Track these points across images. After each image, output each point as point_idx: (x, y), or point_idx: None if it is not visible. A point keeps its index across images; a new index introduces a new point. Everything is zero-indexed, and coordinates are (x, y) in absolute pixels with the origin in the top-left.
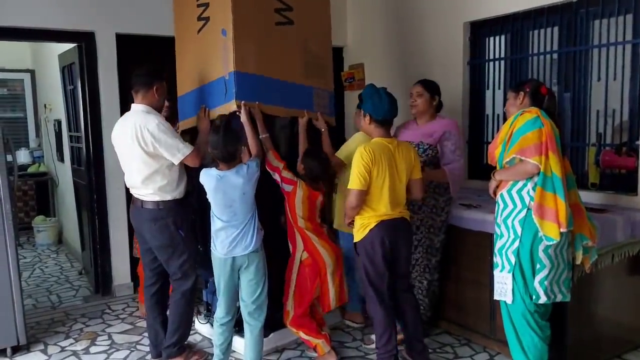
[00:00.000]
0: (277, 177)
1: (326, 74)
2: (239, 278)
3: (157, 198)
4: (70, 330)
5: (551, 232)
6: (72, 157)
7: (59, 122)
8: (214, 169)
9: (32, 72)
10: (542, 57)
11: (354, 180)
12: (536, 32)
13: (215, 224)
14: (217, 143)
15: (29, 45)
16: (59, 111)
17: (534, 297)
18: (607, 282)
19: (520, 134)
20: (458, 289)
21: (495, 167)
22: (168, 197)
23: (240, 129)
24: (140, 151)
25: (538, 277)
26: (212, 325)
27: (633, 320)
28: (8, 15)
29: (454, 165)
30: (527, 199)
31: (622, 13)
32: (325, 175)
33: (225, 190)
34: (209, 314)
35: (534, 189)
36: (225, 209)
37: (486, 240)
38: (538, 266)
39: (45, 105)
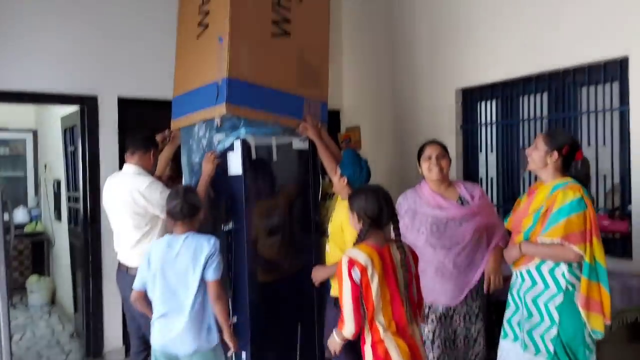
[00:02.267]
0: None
1: (321, 84)
2: None
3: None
4: None
5: (598, 325)
6: (70, 217)
7: (58, 182)
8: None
9: (34, 132)
10: (532, 122)
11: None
12: (526, 98)
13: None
14: (176, 195)
15: (32, 106)
16: (59, 171)
17: None
18: (606, 350)
19: (563, 215)
20: None
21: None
22: None
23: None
24: (132, 214)
25: None
26: None
27: None
28: (13, 79)
29: (500, 233)
30: (562, 282)
31: (608, 80)
32: (390, 209)
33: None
34: None
35: (570, 271)
36: (166, 292)
37: None
38: (587, 352)
39: (45, 165)
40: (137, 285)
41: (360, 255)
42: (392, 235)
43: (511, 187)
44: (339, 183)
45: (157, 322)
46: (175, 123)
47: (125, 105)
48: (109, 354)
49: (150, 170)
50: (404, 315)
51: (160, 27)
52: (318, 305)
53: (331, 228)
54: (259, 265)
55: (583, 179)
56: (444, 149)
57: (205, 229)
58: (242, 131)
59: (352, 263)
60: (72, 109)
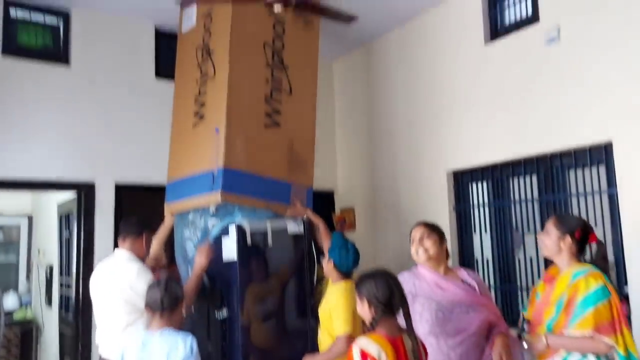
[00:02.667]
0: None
1: (307, 171)
2: None
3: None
4: None
5: None
6: (61, 303)
7: (50, 268)
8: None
9: (29, 218)
10: (524, 203)
11: (348, 324)
12: (516, 179)
13: None
14: (156, 285)
15: (29, 192)
16: (52, 257)
17: None
18: None
19: (589, 305)
20: None
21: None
22: None
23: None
24: (117, 302)
25: None
26: None
27: None
28: (11, 167)
29: (505, 326)
30: None
31: (594, 164)
32: (401, 292)
33: None
34: None
35: None
36: None
37: None
38: None
39: (39, 250)
40: None
41: (373, 347)
42: (403, 321)
43: (507, 268)
44: (327, 266)
45: None
46: (169, 207)
47: (122, 191)
48: None
49: (143, 255)
50: None
51: (155, 115)
52: None
53: (320, 314)
54: (254, 353)
55: (601, 264)
56: (430, 229)
57: (199, 316)
58: (237, 216)
59: (364, 356)
60: (69, 194)
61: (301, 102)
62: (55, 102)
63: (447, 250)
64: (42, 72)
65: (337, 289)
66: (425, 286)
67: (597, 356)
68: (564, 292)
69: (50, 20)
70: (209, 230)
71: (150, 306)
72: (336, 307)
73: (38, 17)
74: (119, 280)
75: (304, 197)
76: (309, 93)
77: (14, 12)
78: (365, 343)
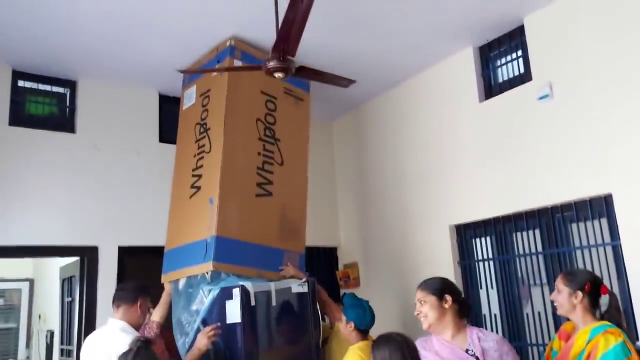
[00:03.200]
0: None
1: (299, 237)
2: None
3: None
4: None
5: None
6: None
7: (51, 333)
8: None
9: (31, 282)
10: (528, 257)
11: None
12: (519, 233)
13: None
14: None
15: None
16: (53, 322)
17: None
18: None
19: None
20: None
21: None
22: None
23: (161, 354)
24: None
25: None
26: None
27: None
28: (12, 234)
29: None
30: None
31: (596, 216)
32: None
33: None
34: None
35: None
36: None
37: None
38: None
39: (39, 316)
40: None
41: None
42: None
43: (515, 322)
44: (345, 329)
45: None
46: (166, 277)
47: (125, 254)
48: None
49: (138, 322)
50: None
51: (159, 178)
52: None
53: None
54: None
55: (615, 315)
56: (427, 290)
57: None
58: (232, 281)
59: None
60: (72, 258)
61: (293, 172)
62: (60, 168)
63: (456, 304)
64: (47, 139)
65: (352, 352)
66: (430, 356)
67: None
68: (583, 349)
69: (57, 89)
70: (204, 299)
71: None
72: None
73: (46, 87)
74: (109, 351)
75: (296, 263)
76: (301, 163)
77: (22, 83)
78: None
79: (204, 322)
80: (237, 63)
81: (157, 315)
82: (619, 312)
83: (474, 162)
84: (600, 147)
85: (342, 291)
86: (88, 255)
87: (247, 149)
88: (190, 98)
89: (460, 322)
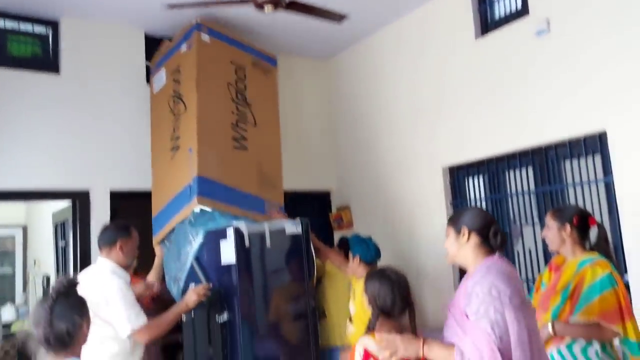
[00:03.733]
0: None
1: (277, 190)
2: None
3: None
4: None
5: None
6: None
7: (47, 278)
8: None
9: (24, 228)
10: (521, 195)
11: None
12: (512, 172)
13: None
14: (39, 314)
15: (24, 202)
16: (48, 267)
17: None
18: None
19: (595, 293)
20: None
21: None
22: None
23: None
24: (94, 314)
25: None
26: None
27: None
28: (4, 178)
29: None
30: None
31: (589, 153)
32: (405, 299)
33: None
34: None
35: (603, 350)
36: None
37: None
38: None
39: (34, 261)
40: None
41: (374, 346)
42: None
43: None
44: (353, 265)
45: None
46: (156, 238)
47: (117, 199)
48: None
49: (125, 262)
50: None
51: (148, 120)
52: None
53: (357, 306)
54: (255, 355)
55: (604, 246)
56: (449, 222)
57: (199, 320)
58: (220, 220)
59: (367, 355)
60: (64, 203)
61: (266, 133)
62: (47, 110)
63: (476, 237)
64: (32, 81)
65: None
66: None
67: (602, 343)
68: (570, 281)
69: (39, 29)
70: (192, 242)
71: (39, 342)
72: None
73: (27, 27)
74: (96, 293)
75: (277, 211)
76: (273, 126)
77: (3, 23)
78: (367, 342)
79: (198, 262)
80: (205, 37)
81: (152, 277)
82: (607, 243)
83: (469, 101)
84: (596, 84)
85: (335, 233)
86: (80, 200)
87: (220, 106)
88: (160, 80)
89: (481, 257)
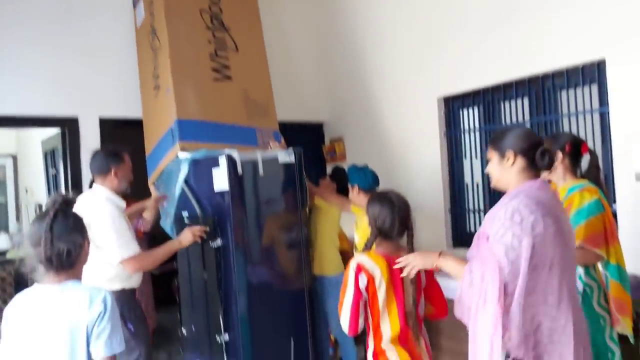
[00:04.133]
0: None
1: (269, 115)
2: None
3: (108, 286)
4: None
5: (628, 327)
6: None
7: (39, 206)
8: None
9: (14, 157)
10: (515, 126)
11: None
12: (507, 103)
13: None
14: (39, 233)
15: (12, 131)
16: (40, 195)
17: None
18: None
19: (582, 218)
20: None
21: None
22: (117, 287)
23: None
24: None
25: None
26: None
27: None
28: None
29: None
30: (579, 285)
31: (587, 83)
32: (404, 222)
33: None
34: None
35: (587, 273)
36: None
37: None
38: (609, 355)
39: (26, 190)
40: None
41: (369, 263)
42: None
43: (497, 192)
44: (353, 194)
45: None
46: (150, 180)
47: (107, 126)
48: None
49: (120, 188)
50: (409, 326)
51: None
52: (310, 319)
53: (360, 235)
54: (249, 281)
55: (594, 172)
56: (491, 142)
57: (193, 246)
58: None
59: (359, 269)
60: (53, 132)
61: (250, 57)
62: (34, 34)
63: (522, 160)
64: (16, 3)
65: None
66: None
67: (586, 267)
68: None
69: None
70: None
71: (39, 261)
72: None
73: None
74: (90, 218)
75: (271, 139)
76: (257, 47)
77: None
78: (362, 259)
79: (191, 190)
80: None
81: (147, 215)
82: (597, 170)
83: (466, 31)
84: (596, 11)
85: (328, 166)
86: (69, 127)
87: (194, 37)
88: (140, 14)
89: (514, 181)
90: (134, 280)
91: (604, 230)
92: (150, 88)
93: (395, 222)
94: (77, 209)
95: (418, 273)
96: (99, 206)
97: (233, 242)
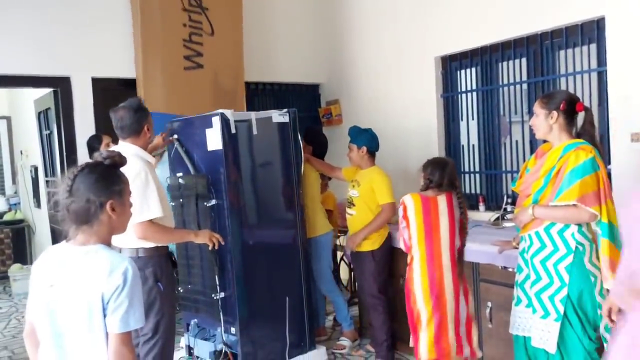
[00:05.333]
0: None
1: (237, 103)
2: None
3: (136, 245)
4: None
5: None
6: (49, 203)
7: (35, 168)
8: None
9: (8, 119)
10: (512, 87)
11: (391, 195)
12: (505, 63)
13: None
14: (63, 180)
15: (5, 92)
16: (36, 157)
17: (605, 345)
18: None
19: (577, 177)
20: None
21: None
22: (151, 245)
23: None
24: None
25: (603, 323)
26: None
27: None
28: None
29: None
30: (572, 243)
31: (585, 43)
32: (452, 181)
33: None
34: (190, 357)
35: (580, 232)
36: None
37: None
38: (599, 312)
39: (21, 152)
40: (27, 314)
41: (408, 199)
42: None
43: (492, 153)
44: (357, 156)
45: None
46: None
47: (100, 86)
48: None
49: (147, 144)
50: (439, 251)
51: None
52: (305, 279)
53: (361, 192)
54: (244, 239)
55: (589, 129)
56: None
57: (187, 204)
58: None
59: (402, 203)
60: (45, 91)
61: (226, 40)
62: None
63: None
64: None
65: (373, 171)
66: None
67: (579, 225)
68: (554, 165)
69: None
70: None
71: (62, 215)
72: (379, 183)
73: None
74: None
75: None
76: (234, 30)
77: None
78: (405, 197)
79: (185, 150)
80: None
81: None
82: (592, 127)
83: None
84: None
85: (325, 128)
86: (61, 87)
87: (168, 22)
88: None
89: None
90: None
91: (598, 188)
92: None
93: (444, 179)
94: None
95: (452, 209)
96: (131, 166)
97: (227, 201)
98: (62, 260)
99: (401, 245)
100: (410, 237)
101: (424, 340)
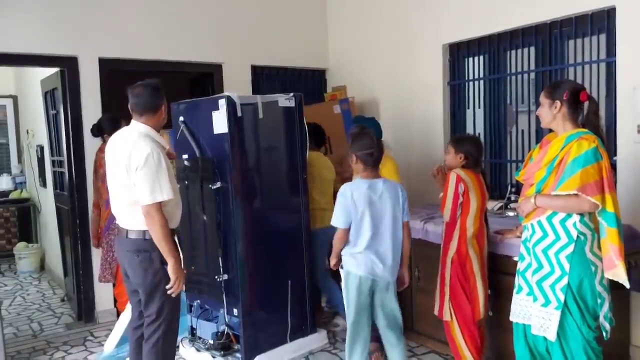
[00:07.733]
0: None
1: None
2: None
3: (144, 227)
4: (51, 358)
5: (623, 274)
6: (55, 182)
7: (41, 148)
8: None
9: (14, 98)
10: (520, 76)
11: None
12: (513, 52)
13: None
14: (370, 140)
15: (11, 71)
16: (42, 137)
17: (604, 333)
18: None
19: (579, 166)
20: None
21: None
22: None
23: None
24: (126, 178)
25: (602, 312)
26: (197, 349)
27: None
28: None
29: None
30: (573, 232)
31: (595, 33)
32: (481, 155)
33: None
34: (194, 339)
35: (582, 221)
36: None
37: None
38: (599, 301)
39: (27, 131)
40: (343, 223)
41: (466, 177)
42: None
43: (498, 142)
44: None
45: (365, 256)
46: None
47: (107, 66)
48: (100, 315)
49: (161, 124)
50: (482, 224)
51: None
52: (308, 263)
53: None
54: (248, 223)
55: (593, 119)
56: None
57: (193, 188)
58: None
59: (459, 179)
60: (52, 71)
61: None
62: None
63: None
64: None
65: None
66: None
67: (581, 215)
68: (557, 154)
69: None
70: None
71: (364, 160)
72: (389, 169)
73: None
74: (126, 160)
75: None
76: None
77: None
78: (461, 173)
79: (190, 133)
80: None
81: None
82: (596, 116)
83: None
84: None
85: None
86: (68, 66)
87: None
88: None
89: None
90: (173, 222)
91: (600, 178)
92: None
93: (478, 156)
94: (115, 146)
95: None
96: (142, 146)
97: (232, 184)
98: (371, 187)
99: (447, 217)
100: (463, 213)
101: (481, 302)
